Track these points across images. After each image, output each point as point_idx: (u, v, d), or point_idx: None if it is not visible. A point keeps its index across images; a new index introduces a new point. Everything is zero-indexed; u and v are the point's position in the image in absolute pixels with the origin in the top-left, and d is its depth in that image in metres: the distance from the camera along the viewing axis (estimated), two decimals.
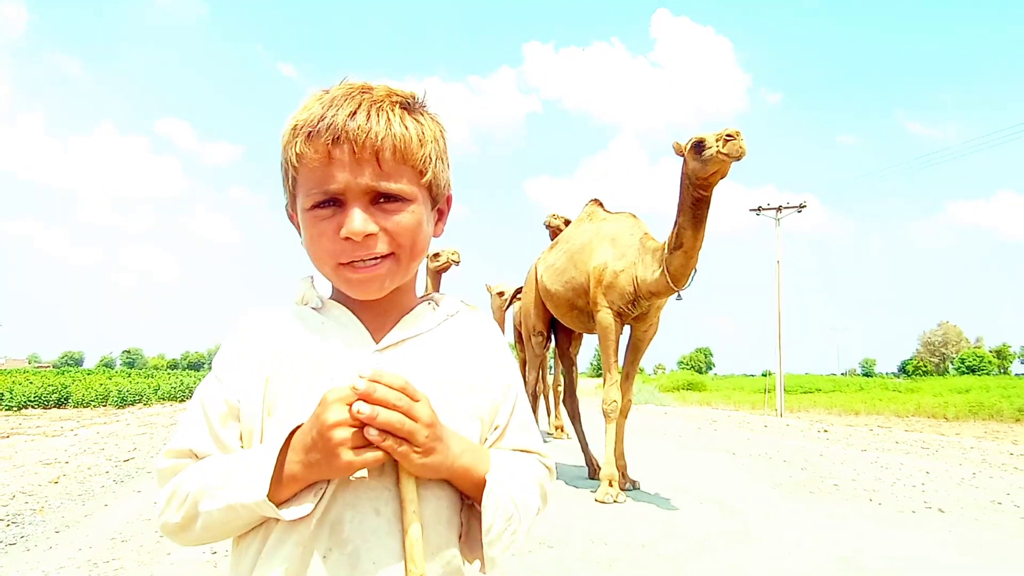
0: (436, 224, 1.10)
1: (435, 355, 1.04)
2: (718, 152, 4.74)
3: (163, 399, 24.62)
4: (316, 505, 0.89)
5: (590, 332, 6.91)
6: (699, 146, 4.90)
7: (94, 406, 20.71)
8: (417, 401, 0.88)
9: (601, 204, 6.97)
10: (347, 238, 0.95)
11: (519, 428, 1.10)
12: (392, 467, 0.92)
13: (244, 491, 0.86)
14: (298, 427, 0.89)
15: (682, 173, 5.24)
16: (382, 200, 0.97)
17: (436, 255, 7.55)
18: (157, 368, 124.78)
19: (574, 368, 8.01)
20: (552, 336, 7.87)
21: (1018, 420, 16.63)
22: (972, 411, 18.41)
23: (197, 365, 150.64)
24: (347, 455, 0.84)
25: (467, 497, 1.00)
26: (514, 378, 1.13)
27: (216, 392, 0.99)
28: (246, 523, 0.91)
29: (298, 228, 1.05)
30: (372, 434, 0.84)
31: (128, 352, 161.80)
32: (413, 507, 0.90)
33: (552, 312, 7.16)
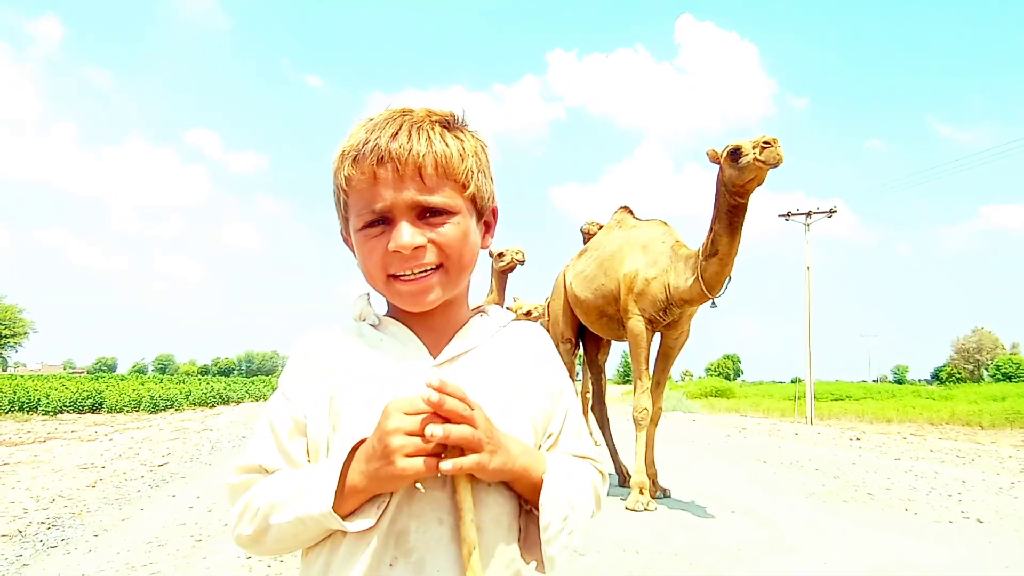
0: (484, 236, 1.14)
1: (491, 366, 1.07)
2: (755, 159, 4.71)
3: (194, 404, 25.05)
4: (380, 517, 0.92)
5: (619, 339, 6.89)
6: (735, 153, 4.88)
7: (127, 411, 21.13)
8: (473, 410, 0.90)
9: (631, 211, 6.95)
10: (396, 251, 0.99)
11: (572, 436, 1.13)
12: (451, 477, 0.94)
13: (311, 504, 0.89)
14: (362, 441, 0.92)
15: (718, 180, 5.21)
16: (428, 215, 1.01)
17: (500, 254, 7.58)
18: (188, 374, 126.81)
19: (602, 375, 8.00)
20: (580, 343, 7.88)
21: None
22: (1008, 419, 18.06)
23: (227, 371, 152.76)
24: (402, 462, 0.86)
25: (525, 501, 1.03)
26: (566, 386, 1.16)
27: (283, 409, 1.03)
28: (315, 535, 0.95)
29: (353, 251, 1.10)
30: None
31: (160, 358, 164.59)
32: (470, 516, 0.92)
33: (581, 319, 7.15)
